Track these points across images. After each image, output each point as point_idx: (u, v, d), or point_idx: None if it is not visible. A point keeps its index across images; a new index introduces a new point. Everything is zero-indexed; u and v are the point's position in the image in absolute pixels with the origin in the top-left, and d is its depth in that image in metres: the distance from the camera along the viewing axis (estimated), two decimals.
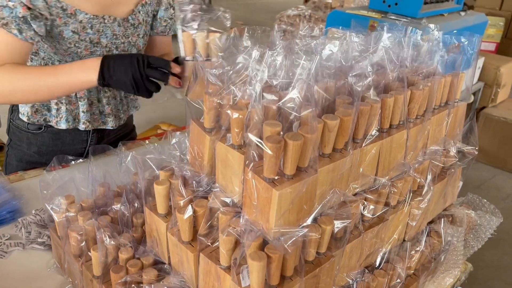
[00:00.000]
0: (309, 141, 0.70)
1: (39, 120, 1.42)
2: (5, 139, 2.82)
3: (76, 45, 1.28)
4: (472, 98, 3.98)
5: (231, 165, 0.79)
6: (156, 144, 1.26)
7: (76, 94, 1.40)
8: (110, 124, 1.51)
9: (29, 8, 1.13)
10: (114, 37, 1.34)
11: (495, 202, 1.21)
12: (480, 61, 3.81)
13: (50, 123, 1.43)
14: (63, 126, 1.43)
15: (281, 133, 0.72)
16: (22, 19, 1.12)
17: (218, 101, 0.78)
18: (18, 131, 1.48)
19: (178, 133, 1.08)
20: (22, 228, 1.19)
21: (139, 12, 1.37)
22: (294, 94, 0.74)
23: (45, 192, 1.02)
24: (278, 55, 0.80)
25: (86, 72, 1.14)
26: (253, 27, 0.93)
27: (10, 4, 1.10)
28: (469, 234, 1.19)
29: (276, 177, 0.70)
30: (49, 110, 1.42)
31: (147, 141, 1.52)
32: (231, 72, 0.79)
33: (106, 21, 1.29)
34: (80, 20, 1.24)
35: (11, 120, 1.49)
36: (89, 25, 1.26)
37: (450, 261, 1.11)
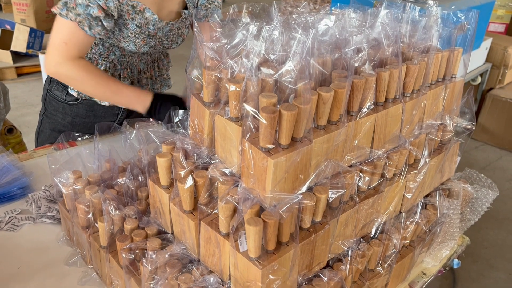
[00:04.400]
0: (303, 111, 0.73)
1: (86, 96, 1.52)
2: (15, 122, 2.88)
3: (136, 36, 1.39)
4: (479, 79, 3.96)
5: (230, 137, 0.82)
6: (160, 122, 1.29)
7: (120, 74, 1.52)
8: None
9: (103, 10, 1.25)
10: (169, 31, 1.46)
11: (501, 183, 1.23)
12: (488, 42, 3.78)
13: (94, 99, 1.53)
14: (106, 103, 1.54)
15: (278, 106, 0.74)
16: (95, 18, 1.24)
17: (216, 74, 0.81)
18: (54, 101, 1.57)
19: (181, 111, 1.11)
20: (32, 203, 1.24)
21: (189, 3, 1.49)
22: (290, 66, 0.77)
23: (53, 166, 1.06)
24: (275, 29, 0.82)
25: (139, 104, 1.36)
26: (252, 4, 0.94)
27: (86, 2, 1.22)
28: (466, 207, 1.21)
29: (271, 147, 0.73)
30: None
31: (151, 119, 1.55)
32: (229, 46, 0.81)
33: (169, 24, 1.43)
34: (146, 17, 1.36)
35: (49, 91, 1.58)
36: (152, 23, 1.39)
37: (446, 233, 1.14)
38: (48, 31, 5.54)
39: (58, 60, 1.28)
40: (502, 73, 4.01)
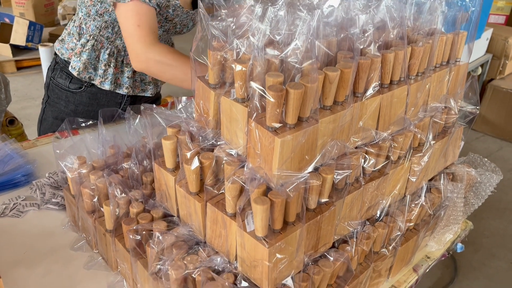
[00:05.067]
0: (310, 90, 0.73)
1: (85, 77, 1.50)
2: (16, 115, 2.87)
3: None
4: (480, 70, 3.96)
5: (236, 119, 0.82)
6: (163, 108, 1.29)
7: (123, 61, 1.51)
8: (150, 92, 1.63)
9: None
10: (184, 16, 1.47)
11: (502, 173, 1.23)
12: (488, 33, 3.77)
13: (94, 82, 1.51)
14: (106, 87, 1.52)
15: (284, 87, 0.74)
16: None
17: (222, 54, 0.81)
18: (58, 89, 1.57)
19: (184, 98, 1.11)
20: (37, 190, 1.24)
21: None
22: (295, 46, 0.76)
23: (58, 151, 1.06)
24: (280, 10, 0.82)
25: None
26: None
27: None
28: (470, 192, 1.21)
29: (278, 126, 0.73)
30: (95, 69, 1.50)
31: (154, 105, 1.56)
32: (234, 26, 0.81)
33: (189, 12, 1.45)
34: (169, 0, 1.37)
35: (52, 78, 1.58)
36: (173, 8, 1.39)
37: (450, 217, 1.14)
38: (47, 24, 5.54)
39: (141, 47, 1.27)
40: (503, 63, 4.01)
